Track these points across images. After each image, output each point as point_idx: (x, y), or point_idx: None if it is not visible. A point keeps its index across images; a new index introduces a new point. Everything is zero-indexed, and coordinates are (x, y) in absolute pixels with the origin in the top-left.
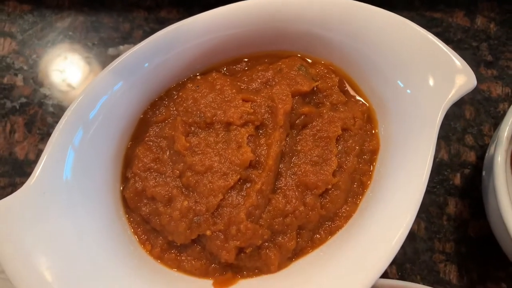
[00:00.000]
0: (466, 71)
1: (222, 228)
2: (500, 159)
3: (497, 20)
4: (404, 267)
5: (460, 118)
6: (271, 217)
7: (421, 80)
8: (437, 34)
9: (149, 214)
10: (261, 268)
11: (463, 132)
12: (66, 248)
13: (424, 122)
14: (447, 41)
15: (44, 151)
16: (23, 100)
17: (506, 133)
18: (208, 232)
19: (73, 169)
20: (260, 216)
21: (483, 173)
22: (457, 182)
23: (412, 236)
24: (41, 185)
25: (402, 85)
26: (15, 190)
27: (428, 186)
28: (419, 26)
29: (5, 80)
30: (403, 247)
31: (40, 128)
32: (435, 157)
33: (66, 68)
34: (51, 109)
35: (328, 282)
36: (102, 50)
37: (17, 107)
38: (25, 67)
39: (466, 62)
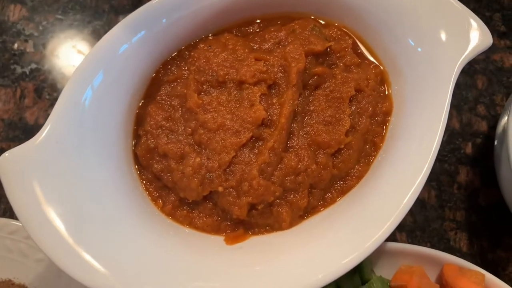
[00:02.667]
0: (481, 28)
1: (234, 184)
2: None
3: None
4: (414, 234)
5: (472, 88)
6: (283, 174)
7: (433, 37)
8: None
9: (161, 171)
10: (273, 225)
11: (475, 102)
12: (77, 198)
13: (437, 81)
14: None
15: (58, 101)
16: (33, 66)
17: None
18: (220, 189)
19: (86, 122)
20: (272, 174)
21: (496, 142)
22: (468, 151)
23: (422, 204)
24: (54, 134)
25: (412, 44)
26: None
27: (439, 154)
28: None
29: (15, 46)
30: (413, 214)
31: (50, 93)
32: (446, 126)
33: (75, 35)
34: (60, 75)
35: (336, 239)
36: (113, 17)
37: (27, 72)
38: (35, 33)
39: None
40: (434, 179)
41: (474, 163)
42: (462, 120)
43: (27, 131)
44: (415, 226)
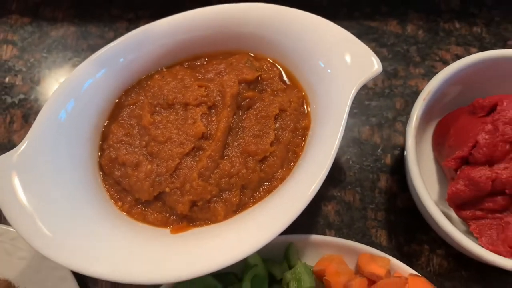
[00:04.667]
0: (375, 59)
1: (179, 185)
2: (411, 134)
3: (424, 27)
4: (342, 231)
5: (392, 109)
6: (218, 177)
7: (339, 63)
8: (373, 40)
9: (120, 177)
10: (210, 218)
11: (394, 120)
12: (48, 194)
13: (339, 99)
14: (381, 45)
15: (36, 119)
16: (22, 96)
17: (416, 112)
18: (167, 189)
19: (59, 136)
20: (209, 177)
21: (405, 153)
22: (388, 162)
23: (348, 206)
24: (32, 145)
25: (322, 65)
26: None
27: (363, 164)
28: (337, 25)
29: (6, 80)
30: (340, 215)
31: (35, 119)
32: (370, 140)
33: (58, 70)
34: (45, 103)
35: (258, 224)
36: (90, 54)
37: (16, 102)
38: (24, 69)
39: (397, 62)
40: (359, 185)
41: (393, 171)
42: (383, 136)
43: None
44: (342, 225)
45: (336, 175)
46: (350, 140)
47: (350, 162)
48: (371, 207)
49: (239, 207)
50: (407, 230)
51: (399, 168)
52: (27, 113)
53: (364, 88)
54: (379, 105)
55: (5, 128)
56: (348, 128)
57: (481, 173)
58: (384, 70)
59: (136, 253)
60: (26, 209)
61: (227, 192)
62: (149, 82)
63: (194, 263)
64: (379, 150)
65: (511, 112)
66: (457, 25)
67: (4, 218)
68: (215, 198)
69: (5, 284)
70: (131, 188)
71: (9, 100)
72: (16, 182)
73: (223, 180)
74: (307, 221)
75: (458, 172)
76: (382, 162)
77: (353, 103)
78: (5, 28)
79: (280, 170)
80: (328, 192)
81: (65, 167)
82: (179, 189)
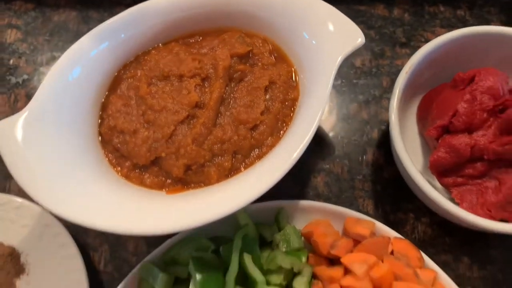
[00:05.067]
0: (358, 31)
1: (174, 150)
2: (394, 106)
3: (410, 11)
4: (330, 201)
5: (379, 87)
6: (211, 143)
7: (323, 34)
8: (361, 22)
9: (119, 144)
10: (204, 181)
11: (381, 97)
12: (51, 155)
13: (324, 69)
14: (369, 27)
15: (42, 84)
16: (25, 77)
17: (399, 84)
18: (163, 154)
19: (64, 102)
20: (203, 142)
21: (390, 123)
22: (375, 136)
23: (337, 178)
24: (37, 109)
25: (307, 37)
26: None
27: (351, 139)
28: (323, 2)
29: (11, 62)
30: (329, 186)
31: None
32: (358, 116)
33: (60, 52)
34: None
35: (247, 185)
36: None
37: (20, 82)
38: (28, 52)
39: (384, 43)
40: (347, 158)
41: (379, 145)
42: (370, 112)
43: None
44: (331, 195)
45: (325, 149)
46: (339, 117)
47: (339, 137)
48: (359, 178)
49: (231, 171)
50: (393, 200)
51: (385, 142)
52: (31, 92)
53: (352, 67)
54: (366, 84)
55: (9, 106)
56: (337, 106)
57: (461, 141)
58: (371, 50)
59: (133, 208)
60: (30, 165)
61: (219, 157)
62: (146, 57)
63: (188, 216)
64: (366, 126)
65: (488, 82)
66: (442, 8)
67: (8, 188)
68: (208, 163)
69: (9, 250)
70: (129, 154)
71: (13, 80)
72: (22, 141)
73: (216, 146)
74: (298, 192)
75: (439, 141)
76: (369, 136)
77: (341, 81)
78: (10, 14)
79: (270, 138)
80: (318, 165)
81: (67, 132)
82: (174, 153)
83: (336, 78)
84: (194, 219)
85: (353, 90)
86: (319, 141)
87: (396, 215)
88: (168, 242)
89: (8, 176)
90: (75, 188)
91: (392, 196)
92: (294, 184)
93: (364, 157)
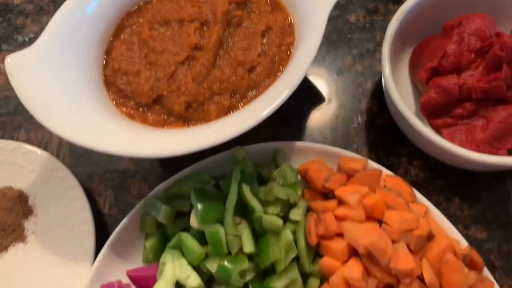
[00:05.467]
0: None
1: (175, 89)
2: (386, 50)
3: None
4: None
5: (372, 41)
6: (211, 82)
7: None
8: None
9: (122, 85)
10: (204, 118)
11: (374, 51)
12: (59, 87)
13: (318, 15)
14: None
15: (50, 21)
16: (31, 35)
17: (390, 30)
18: (164, 92)
19: (72, 41)
20: (202, 81)
21: (382, 70)
22: (369, 87)
23: (332, 126)
24: (45, 43)
25: None
26: None
27: (346, 90)
28: None
29: (18, 22)
30: (324, 133)
31: None
32: (352, 68)
33: None
34: None
35: (243, 115)
36: None
37: (27, 40)
38: (34, 12)
39: (378, 0)
40: (342, 107)
41: (373, 95)
42: (364, 64)
43: None
44: (326, 142)
45: (321, 99)
46: (334, 70)
47: (334, 88)
48: (353, 126)
49: (230, 110)
50: (386, 146)
51: (379, 93)
52: None
53: (347, 23)
54: (360, 38)
55: None
56: (332, 59)
57: (450, 81)
58: (365, 7)
59: (136, 137)
60: (40, 95)
61: (219, 96)
62: (148, 6)
63: (188, 141)
64: (360, 77)
65: (475, 24)
66: None
67: (16, 138)
68: (208, 101)
69: (18, 193)
70: (132, 94)
71: (20, 39)
72: (31, 72)
73: (215, 85)
74: (294, 138)
75: (429, 84)
76: (363, 87)
77: (336, 36)
78: None
79: (266, 79)
80: (313, 114)
81: (73, 71)
82: (175, 91)
83: (331, 33)
84: (194, 143)
85: (348, 44)
86: (315, 91)
87: (389, 159)
88: (170, 180)
89: (16, 127)
90: (82, 118)
91: (385, 142)
92: (290, 132)
93: (359, 106)
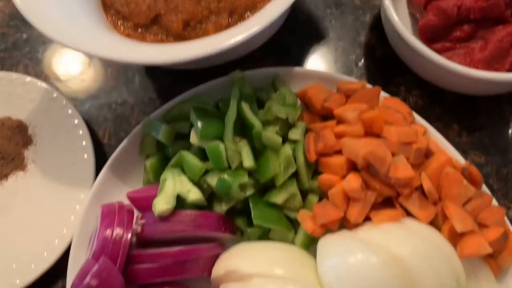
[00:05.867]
0: None
1: (172, 7)
2: None
3: None
4: None
5: None
6: (208, 1)
7: None
8: None
9: (120, 6)
10: (202, 37)
11: None
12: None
13: None
14: None
15: None
16: None
17: None
18: (162, 11)
19: None
20: (200, 1)
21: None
22: (367, 20)
23: (331, 58)
24: None
25: None
26: None
27: (345, 23)
28: None
29: None
30: (323, 65)
31: None
32: (351, 3)
33: None
34: None
35: (241, 29)
36: None
37: None
38: None
39: None
40: (341, 40)
41: (372, 27)
42: None
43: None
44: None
45: (319, 32)
46: (331, 4)
47: (333, 22)
48: (352, 57)
49: (227, 28)
50: (385, 76)
51: (377, 26)
52: None
53: None
54: None
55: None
56: None
57: (448, 2)
58: None
59: (135, 47)
60: (40, 9)
61: (216, 15)
62: None
63: (187, 50)
64: (359, 11)
65: None
66: None
67: (15, 71)
68: (206, 20)
69: (17, 123)
70: (130, 14)
71: None
72: None
73: (213, 4)
74: None
75: (428, 7)
76: (362, 20)
77: None
78: None
79: (262, 2)
80: (312, 47)
81: None
82: (173, 10)
83: None
84: (192, 51)
85: None
86: (315, 26)
87: (388, 88)
88: (170, 103)
89: (14, 64)
90: (81, 29)
91: (384, 72)
92: (290, 64)
93: (357, 39)
